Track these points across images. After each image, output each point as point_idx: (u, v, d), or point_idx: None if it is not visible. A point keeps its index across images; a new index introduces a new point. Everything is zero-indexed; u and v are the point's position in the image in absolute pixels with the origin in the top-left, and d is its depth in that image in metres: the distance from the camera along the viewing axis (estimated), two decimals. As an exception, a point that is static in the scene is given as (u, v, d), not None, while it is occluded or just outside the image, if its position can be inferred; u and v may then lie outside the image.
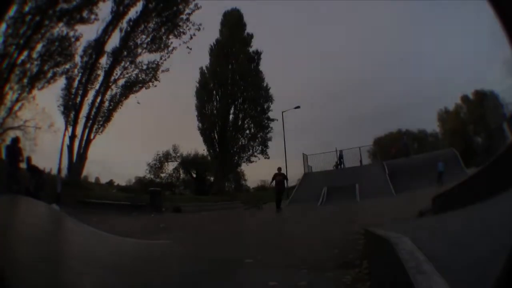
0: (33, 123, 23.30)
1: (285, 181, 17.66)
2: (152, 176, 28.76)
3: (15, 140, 14.14)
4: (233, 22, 30.22)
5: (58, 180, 17.78)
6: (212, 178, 29.30)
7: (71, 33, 23.50)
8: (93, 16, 23.29)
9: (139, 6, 24.36)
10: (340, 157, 25.38)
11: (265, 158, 28.13)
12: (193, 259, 6.01)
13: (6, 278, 2.37)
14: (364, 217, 9.53)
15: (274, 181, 17.36)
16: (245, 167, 29.27)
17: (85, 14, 23.22)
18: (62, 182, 18.19)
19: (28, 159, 14.65)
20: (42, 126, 23.48)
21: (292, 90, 33.96)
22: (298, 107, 25.86)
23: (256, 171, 28.26)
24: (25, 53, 22.26)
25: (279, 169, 17.56)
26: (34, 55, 22.68)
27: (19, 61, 22.05)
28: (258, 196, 24.41)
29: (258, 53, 30.43)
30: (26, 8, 21.47)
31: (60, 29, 23.06)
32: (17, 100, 22.63)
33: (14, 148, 13.47)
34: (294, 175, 25.56)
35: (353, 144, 26.69)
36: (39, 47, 22.79)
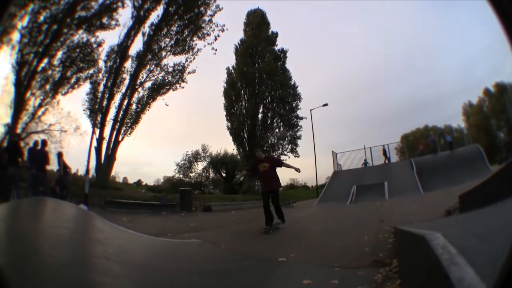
0: (58, 126, 24.34)
1: (276, 170, 10.24)
2: (181, 176, 29.20)
3: (43, 143, 14.28)
4: (257, 21, 30.41)
5: (86, 181, 18.05)
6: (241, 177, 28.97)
7: (92, 39, 24.16)
8: (113, 22, 24.25)
9: (159, 10, 24.88)
10: (385, 152, 25.29)
11: (295, 156, 28.26)
12: (225, 258, 6.18)
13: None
14: (393, 216, 9.53)
15: (257, 171, 10.30)
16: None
17: (105, 20, 24.01)
18: (90, 183, 18.69)
19: (59, 155, 15.33)
20: (68, 129, 24.48)
21: (318, 88, 33.94)
22: (326, 104, 25.93)
23: (286, 170, 28.18)
24: (45, 60, 23.08)
25: (259, 150, 10.41)
26: (55, 62, 23.52)
27: (39, 68, 22.87)
28: (288, 194, 24.17)
29: (283, 52, 30.65)
30: (41, 18, 22.13)
31: (80, 36, 23.71)
32: (40, 106, 23.79)
33: (41, 151, 13.70)
34: (324, 173, 25.41)
35: (381, 141, 26.51)
36: (59, 54, 23.56)
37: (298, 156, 28.53)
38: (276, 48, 31.12)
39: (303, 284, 3.57)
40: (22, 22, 22.06)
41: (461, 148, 22.14)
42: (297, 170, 10.44)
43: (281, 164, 10.68)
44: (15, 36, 21.95)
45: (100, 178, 22.25)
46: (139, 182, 31.20)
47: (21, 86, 21.98)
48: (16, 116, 21.76)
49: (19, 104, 21.89)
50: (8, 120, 22.06)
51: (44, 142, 14.46)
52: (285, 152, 28.57)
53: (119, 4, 23.99)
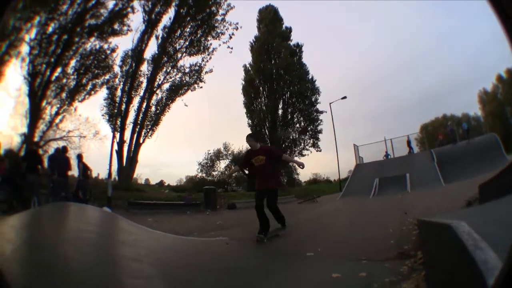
0: (77, 133, 24.72)
1: (274, 164, 8.48)
2: (204, 175, 29.35)
3: (63, 149, 14.63)
4: (269, 17, 30.47)
5: (108, 184, 18.55)
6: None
7: (106, 46, 24.57)
8: (125, 28, 24.64)
9: (171, 13, 25.21)
10: (409, 142, 25.12)
11: (317, 151, 28.11)
12: (253, 254, 6.41)
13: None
14: (416, 208, 9.50)
15: (252, 166, 8.41)
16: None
17: (116, 26, 24.41)
18: (113, 185, 19.05)
19: (79, 157, 15.41)
20: (87, 135, 24.89)
21: (336, 81, 33.66)
22: (344, 97, 25.71)
23: (308, 164, 27.98)
24: (59, 69, 23.52)
25: (252, 139, 8.29)
26: (69, 71, 23.99)
27: (53, 78, 23.34)
28: (312, 189, 24.21)
29: (299, 46, 30.62)
30: (50, 29, 22.59)
31: (92, 43, 24.12)
32: (57, 114, 24.31)
33: (62, 157, 13.94)
34: (345, 167, 25.33)
35: (400, 133, 26.28)
36: (73, 62, 24.00)
37: (320, 150, 28.30)
38: (291, 43, 31.08)
39: (332, 277, 3.65)
40: (30, 35, 22.48)
41: (479, 138, 21.96)
42: (300, 165, 8.34)
43: (280, 156, 8.64)
44: (24, 48, 22.37)
45: (123, 181, 22.62)
46: (161, 183, 31.25)
47: (36, 96, 22.36)
48: (32, 125, 22.22)
49: (34, 114, 22.29)
50: (24, 129, 22.53)
51: (64, 149, 14.85)
52: (307, 147, 28.42)
53: (129, 10, 24.36)
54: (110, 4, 23.95)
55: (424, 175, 18.00)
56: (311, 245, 6.07)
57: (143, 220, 10.83)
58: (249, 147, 8.59)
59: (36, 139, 22.16)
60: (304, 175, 28.91)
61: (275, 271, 4.67)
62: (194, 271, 4.42)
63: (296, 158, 9.62)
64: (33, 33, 22.46)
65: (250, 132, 10.90)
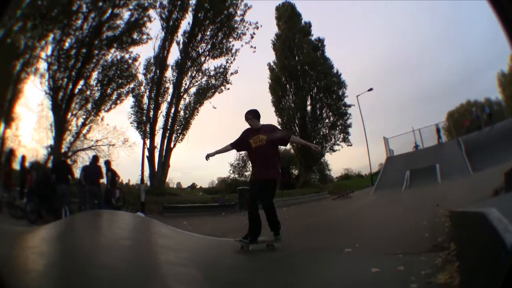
0: (106, 141, 24.61)
1: (277, 149, 7.41)
2: (236, 176, 29.48)
3: (95, 159, 15.13)
4: (287, 14, 30.31)
5: (141, 189, 18.68)
6: (296, 172, 29.15)
7: (127, 56, 24.73)
8: (144, 37, 24.72)
9: (189, 18, 25.42)
10: (438, 131, 24.45)
11: (348, 145, 27.68)
12: (293, 252, 6.45)
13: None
14: (447, 199, 9.53)
15: (248, 148, 7.18)
16: (328, 157, 28.70)
17: (135, 36, 24.57)
18: (146, 190, 19.18)
19: (108, 163, 15.83)
20: (116, 143, 24.71)
21: (360, 72, 32.99)
22: (371, 89, 25.21)
23: (339, 160, 27.73)
24: (81, 82, 23.73)
25: (251, 116, 7.10)
26: (92, 82, 24.25)
27: (76, 90, 23.46)
28: (344, 185, 24.28)
29: (320, 40, 30.32)
30: (66, 44, 22.93)
31: (113, 54, 24.35)
32: (84, 125, 24.23)
33: (94, 167, 14.37)
34: (375, 160, 24.92)
35: (427, 122, 25.67)
36: (95, 74, 24.22)
37: (351, 145, 27.78)
38: (312, 38, 30.63)
39: (372, 272, 3.80)
40: (46, 51, 22.77)
41: (501, 123, 21.38)
42: (317, 148, 7.38)
43: (287, 139, 7.02)
44: (42, 65, 22.72)
45: (155, 185, 22.91)
46: (193, 186, 31.51)
47: (60, 109, 22.66)
48: (58, 138, 22.58)
49: (60, 126, 22.65)
50: (49, 142, 22.90)
51: (96, 158, 15.34)
52: (337, 142, 27.97)
53: (145, 19, 24.65)
54: (126, 15, 24.39)
55: (453, 165, 17.81)
56: (349, 241, 6.28)
57: (179, 224, 11.18)
58: (249, 125, 7.19)
59: (63, 150, 22.76)
60: (335, 170, 28.65)
61: (317, 268, 4.79)
62: (239, 271, 4.56)
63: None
64: (49, 49, 22.84)
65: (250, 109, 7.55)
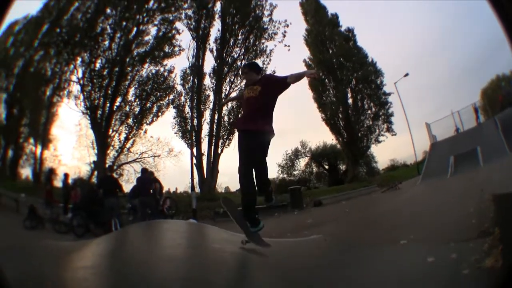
0: (151, 153, 25.45)
1: (273, 101, 6.12)
2: (284, 176, 29.48)
3: (144, 171, 15.91)
4: (313, 8, 30.32)
5: (192, 196, 19.80)
6: (344, 167, 29.08)
7: (162, 69, 25.54)
8: (176, 49, 25.49)
9: (217, 25, 26.08)
10: (476, 111, 23.69)
11: (392, 135, 27.34)
12: (351, 247, 6.64)
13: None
14: (490, 183, 9.60)
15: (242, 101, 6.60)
16: (374, 149, 28.24)
17: (166, 49, 25.30)
18: (196, 197, 20.13)
19: (151, 174, 16.46)
20: (161, 154, 25.52)
21: (393, 58, 32.38)
22: (407, 74, 24.90)
23: (384, 151, 27.25)
24: (119, 99, 24.59)
25: (247, 69, 6.44)
26: (130, 98, 25.08)
27: (114, 107, 24.45)
28: (391, 176, 24.13)
29: (350, 30, 30.17)
30: (97, 65, 23.84)
31: (147, 69, 25.14)
32: (127, 139, 25.00)
33: (145, 178, 15.06)
34: (420, 147, 24.29)
35: (464, 103, 24.80)
36: (132, 90, 25.07)
37: (395, 134, 27.44)
38: (342, 29, 30.40)
39: (428, 262, 4.04)
40: (77, 74, 23.83)
41: None
42: (312, 75, 5.98)
43: (285, 79, 5.82)
44: (74, 87, 23.90)
45: (205, 191, 23.48)
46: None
47: (100, 127, 23.88)
48: (102, 154, 23.44)
49: (102, 143, 23.50)
50: (92, 159, 24.13)
51: (145, 170, 16.24)
52: (382, 133, 27.66)
53: (174, 32, 25.36)
54: (153, 30, 25.10)
55: (492, 146, 17.41)
56: (403, 233, 6.46)
57: (232, 228, 10.96)
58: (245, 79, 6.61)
59: (108, 165, 23.50)
60: (381, 162, 28.30)
61: (376, 262, 4.94)
62: (307, 270, 4.56)
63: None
64: (79, 72, 23.85)
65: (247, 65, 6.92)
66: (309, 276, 4.17)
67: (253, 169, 5.98)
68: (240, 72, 5.99)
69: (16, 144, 24.23)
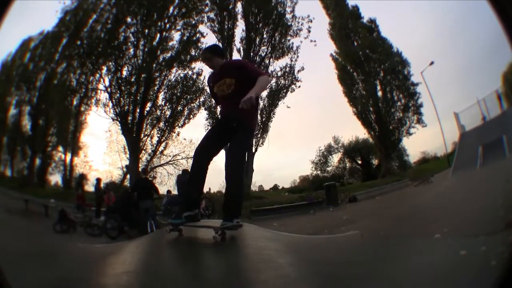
0: (183, 155, 26.08)
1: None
2: (318, 172, 29.70)
3: (185, 172, 15.71)
4: (333, 2, 30.60)
5: None
6: (376, 161, 29.09)
7: (190, 72, 25.80)
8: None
9: (241, 25, 26.49)
10: (499, 97, 23.07)
11: (422, 126, 27.02)
12: (387, 242, 6.73)
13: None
14: None
15: (217, 101, 6.65)
16: (405, 141, 27.82)
17: (193, 52, 25.64)
18: None
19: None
20: None
21: (417, 47, 32.28)
22: (432, 63, 24.35)
23: (414, 143, 26.96)
24: (149, 104, 24.98)
25: (207, 52, 6.07)
26: (161, 102, 25.55)
27: (145, 112, 24.63)
28: (423, 169, 24.21)
29: (372, 21, 30.23)
30: (124, 73, 24.43)
31: (175, 73, 25.59)
32: (159, 142, 25.34)
33: (185, 179, 14.32)
34: (449, 138, 23.88)
35: (487, 90, 24.15)
36: (161, 95, 25.48)
37: (426, 126, 26.97)
38: (364, 21, 30.45)
39: (461, 255, 4.04)
40: (104, 83, 24.52)
41: None
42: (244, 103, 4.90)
43: (258, 76, 5.40)
44: (102, 95, 24.65)
45: None
46: (275, 187, 31.80)
47: (132, 132, 24.09)
48: (134, 158, 24.05)
49: (134, 147, 24.07)
50: (124, 163, 25.16)
51: (186, 172, 15.45)
52: (412, 124, 27.38)
53: (198, 36, 25.85)
54: (177, 35, 25.73)
55: None
56: (437, 227, 6.52)
57: (269, 226, 11.32)
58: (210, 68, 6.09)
59: (141, 168, 24.13)
60: (413, 155, 28.21)
61: (414, 255, 4.84)
62: (344, 265, 4.51)
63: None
64: (106, 81, 24.53)
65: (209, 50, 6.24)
66: (346, 271, 4.10)
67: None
68: (201, 59, 5.74)
69: (44, 153, 25.27)
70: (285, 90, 26.97)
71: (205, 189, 17.97)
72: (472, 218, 6.94)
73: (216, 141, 5.91)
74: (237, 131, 5.60)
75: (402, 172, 26.02)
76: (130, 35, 25.06)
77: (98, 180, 21.00)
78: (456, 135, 22.65)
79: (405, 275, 3.75)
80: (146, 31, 25.22)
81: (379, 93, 28.82)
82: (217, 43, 25.97)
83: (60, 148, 26.03)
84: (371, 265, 4.37)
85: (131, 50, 24.93)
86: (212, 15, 26.51)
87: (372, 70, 28.91)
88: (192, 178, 5.85)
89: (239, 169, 5.77)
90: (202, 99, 26.45)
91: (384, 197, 19.01)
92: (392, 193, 20.19)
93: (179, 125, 26.10)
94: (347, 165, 30.89)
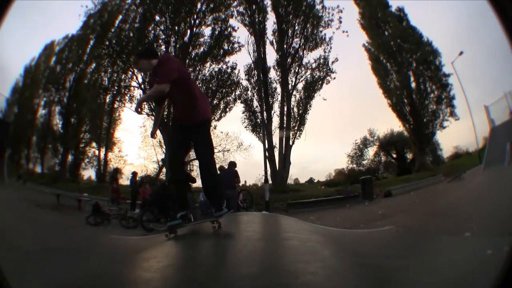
0: (220, 148, 26.82)
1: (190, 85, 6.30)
2: (354, 166, 30.24)
3: (232, 164, 16.63)
4: None
5: (265, 189, 20.80)
6: (410, 155, 29.28)
7: (224, 66, 26.93)
8: (236, 45, 26.95)
9: (272, 17, 27.51)
10: None
11: (455, 120, 26.92)
12: (420, 239, 7.05)
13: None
14: None
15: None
16: (438, 135, 27.53)
17: (226, 47, 26.90)
18: (270, 190, 21.07)
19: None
20: (230, 148, 27.08)
21: (446, 37, 31.98)
22: (461, 53, 24.44)
23: (446, 138, 27.25)
24: None
25: (136, 58, 7.73)
26: None
27: None
28: (456, 164, 24.18)
29: (401, 10, 30.24)
30: None
31: (209, 68, 26.79)
32: None
33: (230, 171, 15.88)
34: (481, 132, 23.57)
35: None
36: None
37: (459, 119, 26.80)
38: (392, 10, 30.36)
39: (488, 254, 4.17)
40: (137, 80, 26.18)
41: None
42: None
43: (160, 78, 5.84)
44: (136, 92, 26.37)
45: (277, 183, 25.17)
46: (310, 180, 32.02)
47: (168, 126, 23.88)
48: None
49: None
50: (159, 157, 26.74)
51: (233, 163, 16.84)
52: (445, 117, 27.20)
53: (229, 30, 26.92)
54: (208, 30, 26.84)
55: None
56: (468, 224, 7.13)
57: (306, 219, 11.69)
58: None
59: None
60: (446, 149, 27.80)
61: (444, 253, 5.17)
62: (378, 260, 4.76)
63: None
64: (139, 77, 26.07)
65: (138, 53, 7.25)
66: (386, 264, 4.34)
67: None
68: (133, 65, 6.27)
69: (77, 149, 27.22)
70: (320, 82, 27.68)
71: (242, 182, 18.75)
72: (501, 217, 7.25)
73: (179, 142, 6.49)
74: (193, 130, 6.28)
75: (435, 167, 26.11)
76: (160, 32, 26.47)
77: (134, 174, 22.52)
78: (486, 129, 22.10)
79: (433, 272, 3.87)
80: (176, 28, 26.47)
81: (413, 85, 28.95)
82: (249, 36, 27.43)
83: (94, 144, 27.95)
84: (406, 260, 4.66)
85: (163, 47, 26.16)
86: (241, 8, 27.61)
87: (405, 61, 29.14)
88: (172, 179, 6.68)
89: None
90: (237, 92, 27.80)
91: (419, 193, 19.28)
92: (426, 189, 20.41)
93: (216, 118, 27.09)
94: (382, 158, 31.22)
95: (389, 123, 30.63)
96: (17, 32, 21.26)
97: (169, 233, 6.18)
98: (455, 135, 27.63)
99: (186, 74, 6.37)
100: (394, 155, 31.25)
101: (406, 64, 29.20)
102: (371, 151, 31.01)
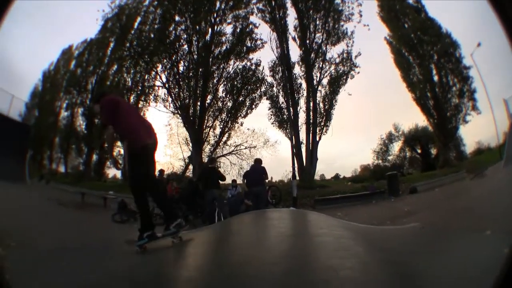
0: (246, 145, 28.25)
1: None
2: (379, 161, 30.85)
3: (258, 161, 16.76)
4: None
5: (293, 185, 21.33)
6: (435, 150, 29.52)
7: (248, 63, 28.21)
8: (258, 42, 28.15)
9: (292, 13, 28.46)
10: None
11: (477, 114, 27.00)
12: (443, 236, 7.23)
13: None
14: None
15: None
16: (461, 130, 27.79)
17: (248, 44, 28.12)
18: (297, 186, 21.58)
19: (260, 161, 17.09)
20: (256, 144, 28.18)
21: (462, 28, 32.02)
22: (479, 44, 24.21)
23: (467, 133, 27.67)
24: (209, 96, 27.83)
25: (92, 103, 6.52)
26: (221, 94, 28.32)
27: (206, 105, 27.37)
28: (478, 160, 24.23)
29: (418, 1, 30.72)
30: (181, 68, 27.47)
31: (233, 65, 28.09)
32: (222, 133, 27.98)
33: (257, 168, 15.92)
34: (500, 127, 23.64)
35: None
36: (221, 87, 28.19)
37: (480, 113, 26.75)
38: (410, 1, 30.88)
39: (505, 252, 3.62)
40: (161, 79, 27.49)
41: None
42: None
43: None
44: (160, 91, 27.57)
45: (305, 179, 25.94)
46: (336, 176, 32.61)
47: (194, 124, 26.72)
48: (197, 149, 26.75)
49: (197, 139, 26.79)
50: (186, 154, 28.03)
51: (259, 160, 17.01)
52: (468, 111, 27.36)
53: (251, 27, 28.07)
54: (229, 28, 28.05)
55: None
56: (489, 222, 7.21)
57: (333, 215, 11.72)
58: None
59: (208, 157, 26.49)
60: (469, 145, 28.06)
61: (465, 250, 5.46)
62: (402, 256, 5.01)
63: None
64: (163, 77, 27.47)
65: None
66: (413, 261, 4.57)
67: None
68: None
69: (101, 149, 28.38)
70: (345, 77, 28.65)
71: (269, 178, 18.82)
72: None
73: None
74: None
75: (459, 163, 26.37)
76: (182, 32, 27.84)
77: (161, 171, 22.88)
78: (506, 123, 21.86)
79: (453, 269, 4.07)
80: (197, 27, 27.73)
81: (435, 78, 29.33)
82: (271, 32, 28.41)
83: (119, 143, 28.90)
84: (430, 257, 4.82)
85: (185, 46, 27.70)
86: (261, 5, 28.75)
87: (426, 53, 29.51)
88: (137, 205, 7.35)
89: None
90: (263, 89, 29.00)
91: (443, 189, 19.63)
92: (450, 185, 20.50)
93: (242, 115, 28.57)
94: (407, 154, 31.78)
95: (413, 118, 30.90)
96: (29, 39, 23.46)
97: (139, 250, 6.80)
98: (477, 130, 27.86)
99: (119, 112, 7.08)
100: (419, 151, 31.69)
101: (427, 56, 29.57)
102: (396, 147, 31.63)
